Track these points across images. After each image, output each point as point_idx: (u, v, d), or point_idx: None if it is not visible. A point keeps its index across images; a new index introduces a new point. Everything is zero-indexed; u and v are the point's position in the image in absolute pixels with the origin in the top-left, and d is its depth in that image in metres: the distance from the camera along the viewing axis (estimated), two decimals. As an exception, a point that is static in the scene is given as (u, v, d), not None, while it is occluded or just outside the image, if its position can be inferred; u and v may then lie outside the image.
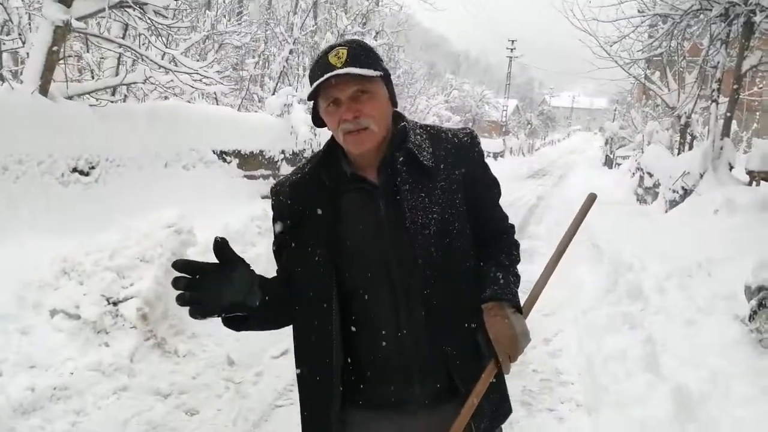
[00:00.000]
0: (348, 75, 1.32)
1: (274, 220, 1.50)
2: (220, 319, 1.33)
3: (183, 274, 1.23)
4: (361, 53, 1.37)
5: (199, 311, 1.23)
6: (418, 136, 1.48)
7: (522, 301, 1.48)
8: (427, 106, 26.46)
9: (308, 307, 1.43)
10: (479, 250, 1.50)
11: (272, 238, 1.53)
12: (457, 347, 1.41)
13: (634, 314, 4.41)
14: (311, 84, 1.37)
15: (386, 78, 1.43)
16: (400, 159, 1.42)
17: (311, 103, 1.47)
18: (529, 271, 2.77)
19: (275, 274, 1.55)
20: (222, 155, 8.09)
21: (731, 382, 3.48)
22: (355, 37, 1.52)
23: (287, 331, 4.51)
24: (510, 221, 1.63)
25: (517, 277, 1.51)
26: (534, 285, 1.51)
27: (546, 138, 60.01)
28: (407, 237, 1.38)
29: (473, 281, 1.46)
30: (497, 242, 1.55)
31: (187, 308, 1.22)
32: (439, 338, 1.40)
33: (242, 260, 1.34)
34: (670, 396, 3.12)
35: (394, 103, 1.48)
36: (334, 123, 1.39)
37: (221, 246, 1.29)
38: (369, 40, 13.43)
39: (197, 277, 1.24)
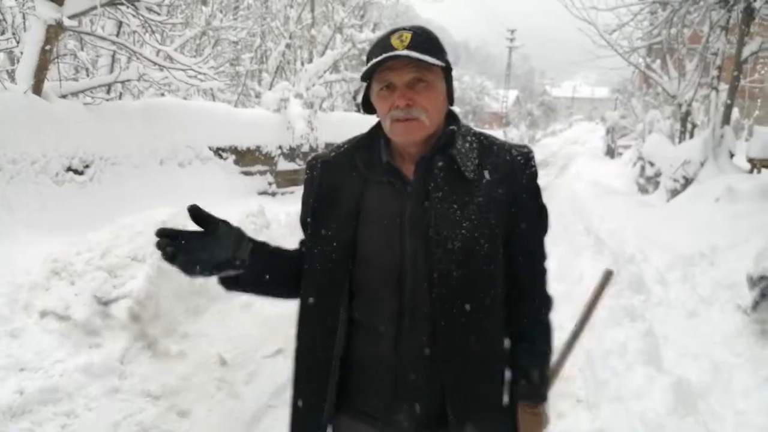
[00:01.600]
0: (407, 58, 1.25)
1: (304, 194, 1.46)
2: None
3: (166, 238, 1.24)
4: (425, 40, 1.30)
5: (190, 268, 1.25)
6: (467, 144, 1.38)
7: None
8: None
9: (317, 293, 1.38)
10: (509, 289, 1.41)
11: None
12: (458, 375, 1.32)
13: (636, 306, 4.35)
14: (367, 63, 1.31)
15: (447, 71, 1.36)
16: (440, 164, 1.33)
17: (363, 85, 1.39)
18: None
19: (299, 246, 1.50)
20: (218, 152, 8.03)
21: (733, 374, 3.43)
22: (423, 25, 1.46)
23: (280, 330, 4.43)
24: (545, 265, 1.48)
25: (550, 356, 1.46)
26: (556, 361, 1.48)
27: (547, 128, 59.83)
28: (427, 247, 1.29)
29: (494, 309, 1.36)
30: (528, 297, 1.43)
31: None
32: (440, 361, 1.31)
33: (224, 220, 1.32)
34: (671, 389, 3.07)
35: (451, 101, 1.40)
36: (385, 108, 1.32)
37: (196, 211, 1.28)
38: (366, 32, 13.30)
39: (182, 241, 1.24)
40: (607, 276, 1.63)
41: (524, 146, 1.42)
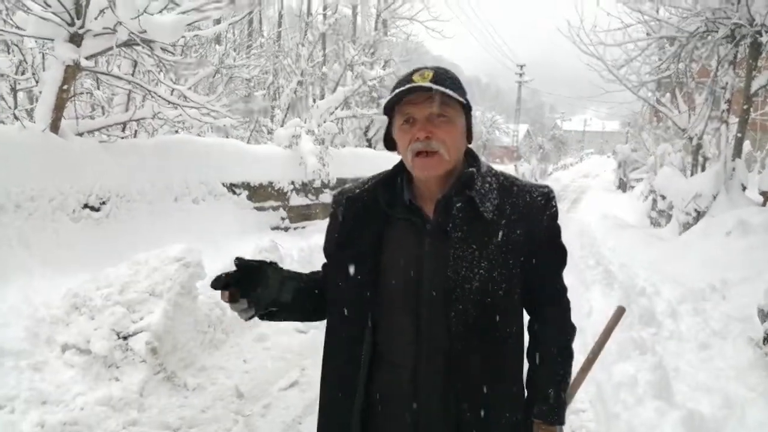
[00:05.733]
0: (429, 91, 1.29)
1: (328, 226, 1.52)
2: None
3: (225, 290, 1.38)
4: (446, 78, 1.35)
5: (245, 312, 1.41)
6: (487, 184, 1.39)
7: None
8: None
9: (342, 327, 1.44)
10: (531, 322, 1.48)
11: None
12: (476, 412, 1.35)
13: (646, 340, 4.35)
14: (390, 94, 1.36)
15: (467, 109, 1.39)
16: (459, 204, 1.35)
17: (384, 119, 1.45)
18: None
19: (320, 269, 1.58)
20: (231, 188, 8.17)
21: (746, 408, 3.41)
22: (443, 66, 1.53)
23: (295, 362, 4.49)
24: (566, 299, 1.52)
25: (567, 381, 1.48)
26: (568, 390, 1.50)
27: (558, 162, 59.92)
28: (445, 286, 1.33)
29: (510, 346, 1.39)
30: (548, 330, 1.47)
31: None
32: (457, 398, 1.35)
33: (266, 263, 1.45)
34: (682, 423, 3.06)
35: (470, 139, 1.43)
36: (405, 141, 1.35)
37: (240, 263, 1.40)
38: (377, 69, 13.56)
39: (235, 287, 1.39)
40: (620, 312, 1.67)
41: (544, 186, 1.44)
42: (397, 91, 1.32)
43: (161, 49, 6.13)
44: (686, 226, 9.45)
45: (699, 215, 9.15)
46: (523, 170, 41.50)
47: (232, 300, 1.38)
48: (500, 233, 1.35)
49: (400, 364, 1.38)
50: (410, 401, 1.37)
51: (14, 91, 7.68)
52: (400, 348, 1.37)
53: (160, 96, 6.75)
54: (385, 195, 1.43)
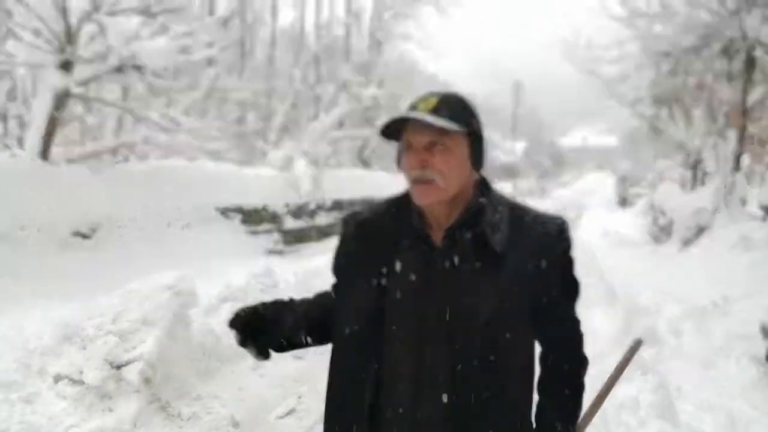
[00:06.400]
0: (423, 122, 1.28)
1: (337, 248, 1.51)
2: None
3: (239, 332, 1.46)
4: (450, 105, 1.33)
5: (264, 354, 1.50)
6: (498, 215, 1.36)
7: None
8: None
9: (347, 352, 1.43)
10: (542, 353, 1.44)
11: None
12: None
13: (647, 360, 4.28)
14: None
15: (473, 137, 1.36)
16: (467, 236, 1.33)
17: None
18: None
19: (328, 289, 1.58)
20: (225, 212, 8.12)
21: (751, 426, 3.36)
22: (456, 92, 1.51)
23: (292, 390, 4.39)
24: (579, 331, 1.46)
25: (577, 414, 1.44)
26: (579, 423, 1.46)
27: (558, 179, 60.11)
28: (449, 318, 1.30)
29: (518, 381, 1.36)
30: (560, 363, 1.43)
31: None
32: (458, 428, 1.32)
33: (277, 305, 1.52)
34: (687, 446, 2.98)
35: (478, 166, 1.38)
36: (406, 168, 1.35)
37: (246, 314, 1.48)
38: (372, 89, 13.60)
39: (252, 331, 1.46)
40: (636, 345, 1.62)
41: (558, 217, 1.41)
42: (389, 120, 1.32)
43: (152, 73, 6.13)
44: (687, 242, 9.40)
45: (700, 231, 9.09)
46: (522, 187, 41.62)
47: (242, 345, 1.47)
48: (510, 266, 1.32)
49: (401, 391, 1.35)
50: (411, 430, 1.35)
51: (5, 118, 7.67)
52: (402, 375, 1.35)
53: (152, 120, 6.73)
54: (394, 220, 1.42)
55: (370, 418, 1.38)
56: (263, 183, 9.20)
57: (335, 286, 1.52)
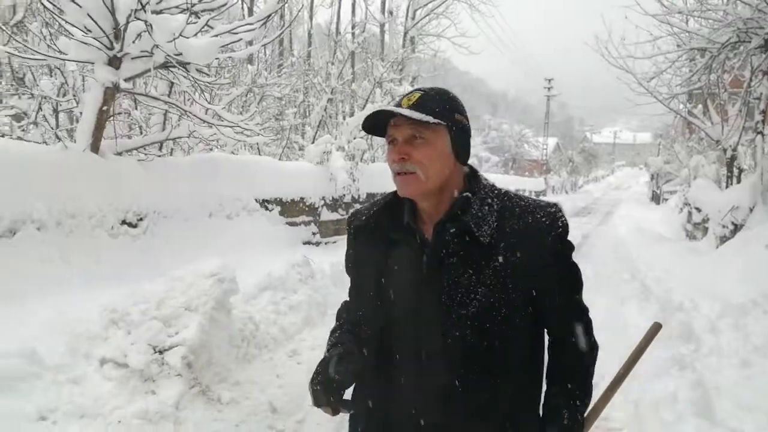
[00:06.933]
0: (401, 117, 1.33)
1: (346, 250, 1.58)
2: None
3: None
4: (432, 100, 1.35)
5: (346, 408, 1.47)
6: (486, 207, 1.37)
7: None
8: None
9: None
10: (550, 343, 1.44)
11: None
12: None
13: (685, 356, 4.26)
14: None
15: (455, 130, 1.37)
16: (452, 230, 1.34)
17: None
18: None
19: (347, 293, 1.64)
20: (264, 203, 8.29)
21: (792, 427, 3.31)
22: (442, 87, 1.53)
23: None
24: (585, 319, 1.44)
25: (585, 402, 1.42)
26: (592, 409, 1.45)
27: (589, 175, 59.22)
28: (440, 313, 1.33)
29: (517, 371, 1.36)
30: (566, 351, 1.42)
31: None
32: (455, 424, 1.35)
33: (342, 364, 1.45)
34: (725, 442, 2.98)
35: (462, 157, 1.40)
36: (389, 161, 1.39)
37: (325, 396, 1.44)
38: (405, 86, 13.66)
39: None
40: (655, 329, 1.60)
41: (552, 205, 1.40)
42: (367, 113, 1.37)
43: (196, 70, 6.29)
44: (723, 239, 9.25)
45: (736, 228, 8.94)
46: (553, 183, 41.19)
47: (335, 414, 1.47)
48: (499, 257, 1.32)
49: (400, 389, 1.39)
50: (413, 424, 1.38)
51: (56, 112, 7.94)
52: (401, 375, 1.39)
53: (195, 115, 6.91)
54: (388, 217, 1.45)
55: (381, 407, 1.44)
56: (301, 176, 9.38)
57: (349, 288, 1.59)
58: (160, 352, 4.05)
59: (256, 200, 8.04)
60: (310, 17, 19.20)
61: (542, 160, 44.35)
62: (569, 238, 1.41)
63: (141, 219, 5.92)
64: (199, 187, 6.96)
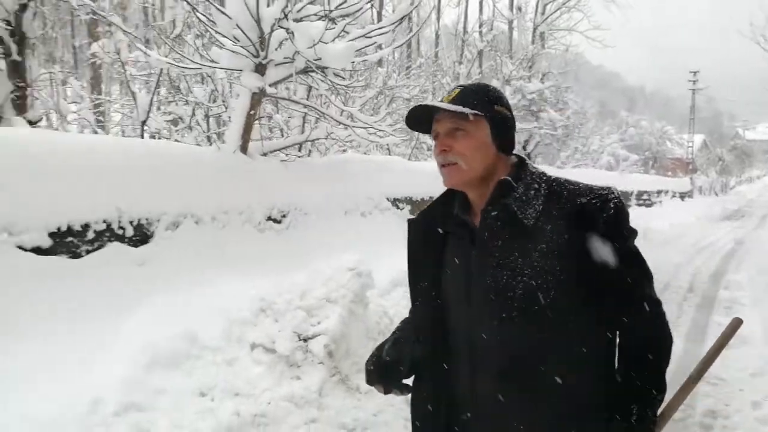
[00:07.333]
0: (442, 111, 1.41)
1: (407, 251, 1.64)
2: None
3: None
4: (470, 94, 1.42)
5: (406, 392, 1.60)
6: (532, 191, 1.39)
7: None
8: (600, 146, 25.43)
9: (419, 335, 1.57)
10: (619, 338, 1.40)
11: None
12: (529, 424, 1.35)
13: None
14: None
15: (494, 121, 1.42)
16: (493, 213, 1.38)
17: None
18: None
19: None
20: (395, 202, 8.47)
21: None
22: (483, 82, 1.61)
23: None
24: (655, 309, 1.37)
25: (657, 398, 1.35)
26: (666, 406, 1.39)
27: (742, 175, 54.25)
28: (487, 296, 1.36)
29: (569, 357, 1.33)
30: (636, 344, 1.37)
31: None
32: (512, 411, 1.36)
33: (394, 347, 1.61)
34: None
35: (505, 147, 1.44)
36: (434, 155, 1.48)
37: (376, 374, 1.62)
38: (535, 83, 13.31)
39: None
40: (735, 325, 1.48)
41: (605, 188, 1.36)
42: (409, 111, 1.45)
43: (333, 74, 6.56)
44: None
45: None
46: (700, 184, 38.19)
47: (386, 393, 1.60)
48: (545, 239, 1.32)
49: (461, 373, 1.44)
50: (471, 410, 1.43)
51: (207, 117, 8.65)
52: (457, 363, 1.45)
53: (332, 117, 7.22)
54: (441, 211, 1.53)
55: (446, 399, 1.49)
56: (430, 176, 9.44)
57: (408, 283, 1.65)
58: (305, 340, 4.29)
59: (387, 199, 8.24)
60: (438, 18, 19.35)
61: (687, 158, 41.28)
62: (632, 224, 1.37)
63: (284, 215, 6.29)
64: (335, 186, 7.26)
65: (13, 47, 5.91)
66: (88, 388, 3.23)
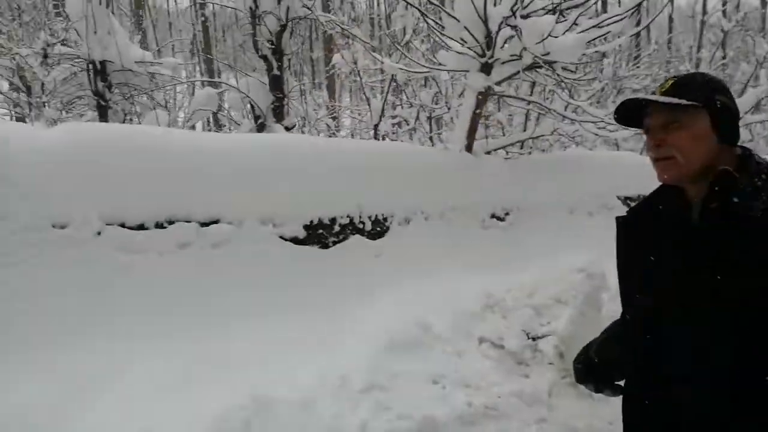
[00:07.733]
0: (654, 104, 1.36)
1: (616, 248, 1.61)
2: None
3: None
4: (685, 84, 1.35)
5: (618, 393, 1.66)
6: (759, 182, 1.28)
7: None
8: None
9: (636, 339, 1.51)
10: None
11: None
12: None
13: None
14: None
15: (715, 110, 1.33)
16: (713, 206, 1.30)
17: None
18: None
19: None
20: (626, 200, 7.98)
21: None
22: (700, 71, 1.67)
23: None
24: None
25: None
26: None
27: None
28: (702, 295, 1.27)
29: None
30: None
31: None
32: (722, 416, 1.26)
33: (603, 348, 1.70)
34: None
35: (728, 138, 1.36)
36: (647, 150, 1.44)
37: (585, 372, 1.78)
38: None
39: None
40: None
41: None
42: (619, 104, 1.41)
43: (562, 68, 6.40)
44: None
45: None
46: None
47: (598, 391, 1.69)
48: None
49: (674, 376, 1.37)
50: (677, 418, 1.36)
51: (430, 119, 9.02)
52: (674, 356, 1.36)
53: (558, 112, 7.05)
54: (653, 206, 1.47)
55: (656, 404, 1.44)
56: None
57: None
58: (533, 339, 4.27)
59: (617, 197, 7.80)
60: (671, 1, 17.69)
61: None
62: None
63: (507, 213, 6.30)
64: (559, 183, 7.07)
65: (275, 63, 6.78)
66: (338, 367, 3.59)
